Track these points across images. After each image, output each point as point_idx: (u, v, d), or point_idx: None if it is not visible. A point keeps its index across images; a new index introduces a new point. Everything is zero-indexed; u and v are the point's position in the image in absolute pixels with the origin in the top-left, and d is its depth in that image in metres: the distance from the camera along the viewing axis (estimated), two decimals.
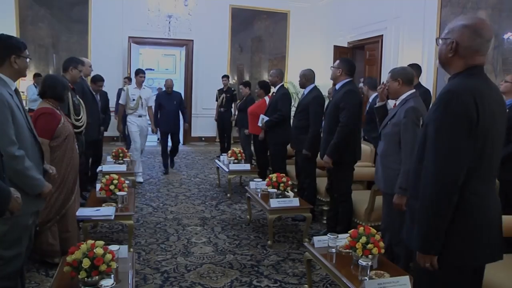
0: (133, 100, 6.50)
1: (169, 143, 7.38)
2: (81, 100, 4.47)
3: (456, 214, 1.70)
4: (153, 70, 14.43)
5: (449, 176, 1.66)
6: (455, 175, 1.66)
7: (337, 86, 4.08)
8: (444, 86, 1.78)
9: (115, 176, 3.94)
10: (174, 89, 7.35)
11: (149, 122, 6.93)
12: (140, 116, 6.51)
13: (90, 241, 2.38)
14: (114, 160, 5.62)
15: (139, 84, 6.58)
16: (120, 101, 6.69)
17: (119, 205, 3.73)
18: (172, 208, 5.18)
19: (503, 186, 3.43)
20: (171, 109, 7.08)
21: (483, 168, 1.74)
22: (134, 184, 5.22)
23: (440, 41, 1.84)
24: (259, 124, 5.65)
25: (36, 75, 8.89)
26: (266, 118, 5.54)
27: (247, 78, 10.77)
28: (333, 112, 3.98)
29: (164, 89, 7.45)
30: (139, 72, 6.64)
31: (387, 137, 3.23)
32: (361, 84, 5.52)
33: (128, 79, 9.01)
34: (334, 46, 9.21)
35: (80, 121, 4.28)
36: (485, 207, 1.74)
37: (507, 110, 3.55)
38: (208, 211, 5.13)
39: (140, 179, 6.41)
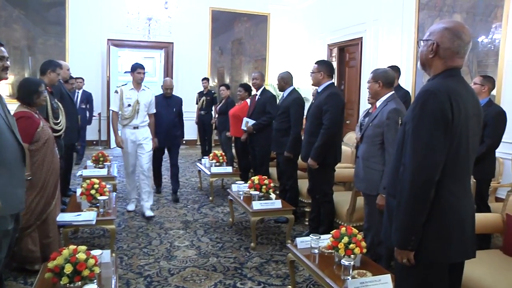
0: (128, 105, 4.92)
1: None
2: (59, 103, 4.43)
3: (430, 212, 1.76)
4: None
5: (425, 172, 1.72)
6: (431, 170, 1.72)
7: (320, 89, 4.12)
8: (422, 86, 1.85)
9: (96, 181, 3.92)
10: (155, 92, 6.13)
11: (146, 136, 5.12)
12: (136, 127, 4.95)
13: (72, 246, 2.36)
14: (94, 165, 5.57)
15: (137, 84, 4.98)
16: (112, 107, 5.05)
17: (101, 210, 3.71)
18: (154, 212, 5.15)
19: (477, 184, 3.55)
20: (169, 118, 5.57)
21: (458, 167, 1.80)
22: (115, 188, 5.18)
23: (422, 43, 1.92)
24: (243, 127, 5.66)
25: None
26: (251, 121, 5.55)
27: (227, 80, 10.79)
28: (316, 114, 4.03)
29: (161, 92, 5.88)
30: (137, 67, 4.96)
31: (369, 139, 3.30)
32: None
33: (82, 80, 8.36)
34: (328, 45, 9.35)
35: (59, 124, 4.24)
36: (459, 206, 1.80)
37: None
38: (190, 215, 5.13)
39: (132, 207, 5.21)
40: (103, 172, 5.27)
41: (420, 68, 1.98)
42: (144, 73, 4.99)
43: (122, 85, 5.18)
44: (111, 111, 5.13)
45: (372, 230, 3.36)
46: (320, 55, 9.53)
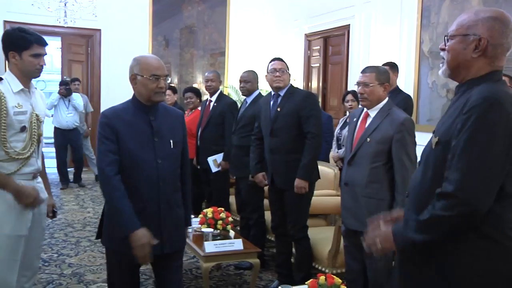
0: (22, 128, 2.93)
1: None
2: None
3: (487, 263, 1.75)
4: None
5: (476, 201, 1.70)
6: (485, 198, 1.71)
7: (282, 92, 4.23)
8: (473, 93, 1.81)
9: None
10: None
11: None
12: (36, 176, 3.10)
13: None
14: None
15: (28, 80, 3.02)
16: None
17: None
18: (72, 260, 5.03)
19: None
20: (157, 171, 2.80)
21: None
22: None
23: (453, 40, 1.90)
24: (214, 169, 5.50)
25: None
26: (219, 156, 5.45)
27: (175, 81, 10.75)
28: (292, 124, 4.08)
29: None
30: (32, 42, 2.93)
31: (368, 159, 3.33)
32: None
33: None
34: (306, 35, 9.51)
35: None
36: None
37: None
38: None
39: None
40: None
41: (446, 75, 1.96)
42: (43, 56, 3.00)
43: None
44: None
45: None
46: (296, 49, 9.66)
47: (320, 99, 8.98)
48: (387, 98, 3.41)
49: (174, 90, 7.51)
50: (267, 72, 4.27)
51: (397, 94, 5.41)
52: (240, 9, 11.10)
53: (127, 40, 10.32)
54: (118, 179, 2.65)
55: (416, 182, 1.97)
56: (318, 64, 9.35)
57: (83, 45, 10.55)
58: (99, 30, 10.22)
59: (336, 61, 8.82)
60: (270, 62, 4.31)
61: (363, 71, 3.45)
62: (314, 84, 9.55)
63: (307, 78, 9.67)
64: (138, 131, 2.78)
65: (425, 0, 6.77)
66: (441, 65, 1.98)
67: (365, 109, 3.45)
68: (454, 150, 1.76)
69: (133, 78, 2.82)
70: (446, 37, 1.93)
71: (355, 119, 3.53)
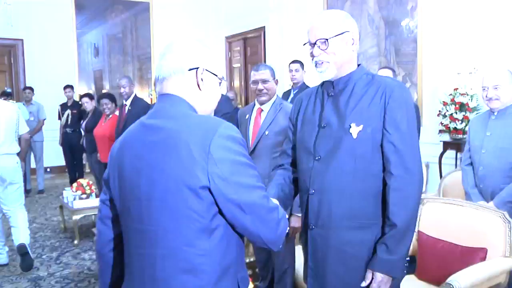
0: None
1: None
2: None
3: None
4: None
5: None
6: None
7: None
8: (381, 83, 1.93)
9: None
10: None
11: None
12: None
13: None
14: None
15: None
16: None
17: None
18: None
19: None
20: None
21: None
22: None
23: (335, 41, 1.93)
24: None
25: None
26: None
27: (106, 87, 10.63)
28: None
29: None
30: None
31: (267, 150, 3.30)
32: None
33: None
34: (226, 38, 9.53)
35: None
36: None
37: None
38: (44, 268, 4.80)
39: None
40: None
41: (330, 75, 1.97)
42: None
43: None
44: None
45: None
46: (218, 51, 9.60)
47: (243, 98, 9.08)
48: (276, 94, 3.43)
49: (91, 96, 7.31)
50: None
51: (304, 90, 5.49)
52: (163, 15, 11.01)
53: (52, 49, 10.03)
54: None
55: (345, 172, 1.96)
56: (239, 65, 9.41)
57: (5, 55, 10.13)
58: (21, 40, 9.87)
59: (254, 60, 8.88)
60: None
61: (258, 69, 3.39)
62: (236, 84, 9.60)
63: (230, 78, 9.73)
64: None
65: (329, 1, 7.03)
66: (320, 68, 1.95)
67: (256, 105, 3.44)
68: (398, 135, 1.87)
69: (200, 74, 1.55)
70: (325, 41, 1.91)
71: (247, 116, 3.49)
